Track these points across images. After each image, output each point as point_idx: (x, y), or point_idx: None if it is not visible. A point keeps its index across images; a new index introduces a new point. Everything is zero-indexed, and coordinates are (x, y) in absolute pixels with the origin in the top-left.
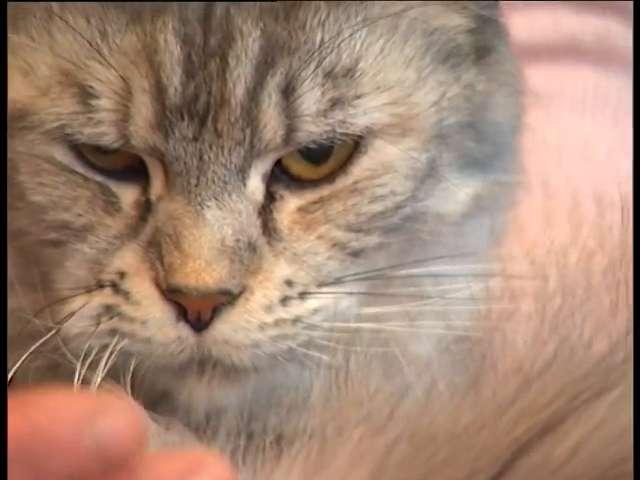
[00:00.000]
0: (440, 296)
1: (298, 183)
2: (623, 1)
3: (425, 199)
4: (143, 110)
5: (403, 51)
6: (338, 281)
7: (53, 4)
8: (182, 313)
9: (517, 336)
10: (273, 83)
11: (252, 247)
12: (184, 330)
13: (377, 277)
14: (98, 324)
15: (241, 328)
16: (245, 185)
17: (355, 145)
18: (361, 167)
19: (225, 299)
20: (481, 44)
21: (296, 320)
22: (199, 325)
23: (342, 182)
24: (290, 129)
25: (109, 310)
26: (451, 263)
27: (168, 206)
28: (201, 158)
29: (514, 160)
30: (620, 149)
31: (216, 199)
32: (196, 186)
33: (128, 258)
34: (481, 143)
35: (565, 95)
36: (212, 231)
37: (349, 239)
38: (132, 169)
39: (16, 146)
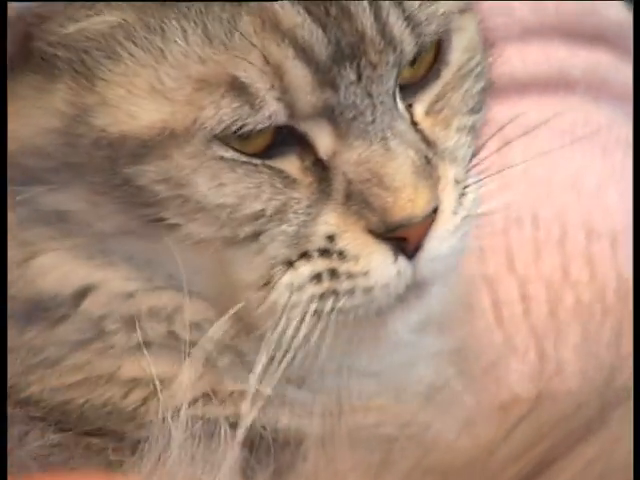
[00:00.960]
0: None
1: (410, 89)
2: (613, 34)
3: None
4: (301, 75)
5: None
6: (471, 169)
7: (151, 20)
8: (399, 247)
9: (511, 370)
10: (386, 3)
11: (428, 160)
12: (402, 263)
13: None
14: (303, 293)
15: (444, 239)
16: (397, 106)
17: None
18: (458, 52)
19: (434, 217)
20: None
21: (468, 215)
22: (413, 252)
23: (448, 73)
24: (418, 37)
25: (317, 277)
26: None
27: (350, 156)
28: (369, 95)
29: None
30: (609, 181)
31: (390, 128)
32: (372, 123)
33: (332, 219)
34: None
35: (555, 127)
36: (404, 159)
37: (474, 121)
38: (273, 146)
39: (176, 163)
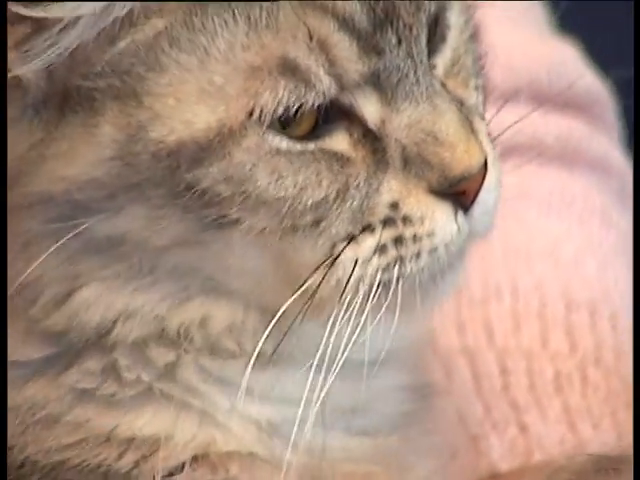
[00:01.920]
0: None
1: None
2: (583, 101)
3: None
4: (347, 46)
5: None
6: None
7: (194, 19)
8: (457, 203)
9: (491, 444)
10: None
11: (465, 115)
12: (460, 218)
13: None
14: (369, 266)
15: (491, 191)
16: (431, 66)
17: None
18: (455, 15)
19: (486, 167)
20: None
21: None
22: (469, 205)
23: (452, 36)
24: None
25: (382, 248)
26: None
27: (400, 120)
28: (410, 56)
29: None
30: (586, 250)
31: (431, 86)
32: (417, 83)
33: (394, 187)
34: None
35: (532, 196)
36: (452, 114)
37: (482, 82)
38: (318, 125)
39: (236, 160)
